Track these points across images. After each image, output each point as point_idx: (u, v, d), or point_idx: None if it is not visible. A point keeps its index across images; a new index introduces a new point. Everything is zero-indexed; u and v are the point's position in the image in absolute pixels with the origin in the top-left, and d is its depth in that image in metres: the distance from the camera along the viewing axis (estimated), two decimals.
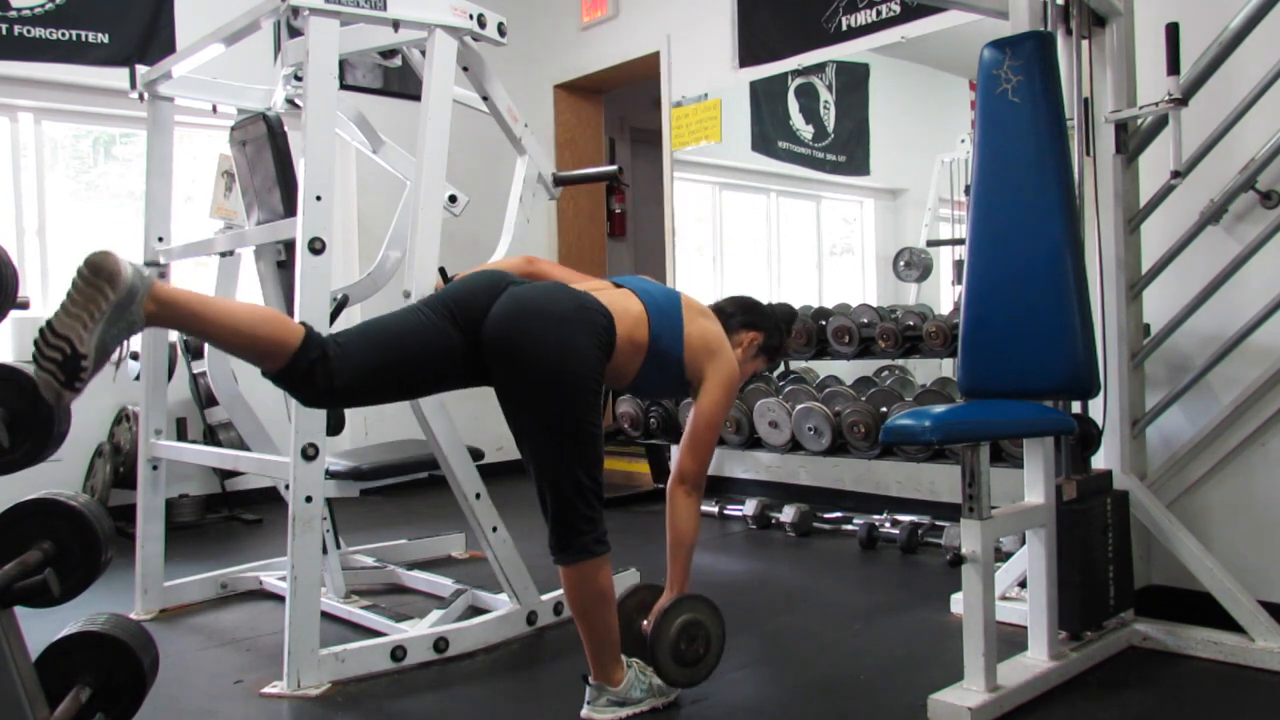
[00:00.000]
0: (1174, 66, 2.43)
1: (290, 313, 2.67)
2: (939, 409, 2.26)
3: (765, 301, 2.58)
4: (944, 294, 4.34)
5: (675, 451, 5.02)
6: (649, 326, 2.16)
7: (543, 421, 2.03)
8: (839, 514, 4.10)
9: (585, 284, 2.24)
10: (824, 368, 4.44)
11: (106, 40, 4.47)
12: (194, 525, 4.48)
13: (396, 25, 2.59)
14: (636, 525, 4.27)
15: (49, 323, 1.59)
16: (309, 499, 2.39)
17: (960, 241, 4.04)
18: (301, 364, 1.88)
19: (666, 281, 5.23)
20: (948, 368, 3.96)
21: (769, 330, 2.45)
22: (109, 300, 1.59)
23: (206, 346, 3.35)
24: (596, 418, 2.06)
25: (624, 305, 2.16)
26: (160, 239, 3.14)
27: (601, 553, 2.08)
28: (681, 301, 2.27)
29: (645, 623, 2.24)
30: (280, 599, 2.90)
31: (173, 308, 1.73)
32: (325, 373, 1.91)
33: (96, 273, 1.60)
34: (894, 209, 4.70)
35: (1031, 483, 2.41)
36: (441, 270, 2.52)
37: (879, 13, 4.23)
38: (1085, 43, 2.63)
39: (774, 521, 4.19)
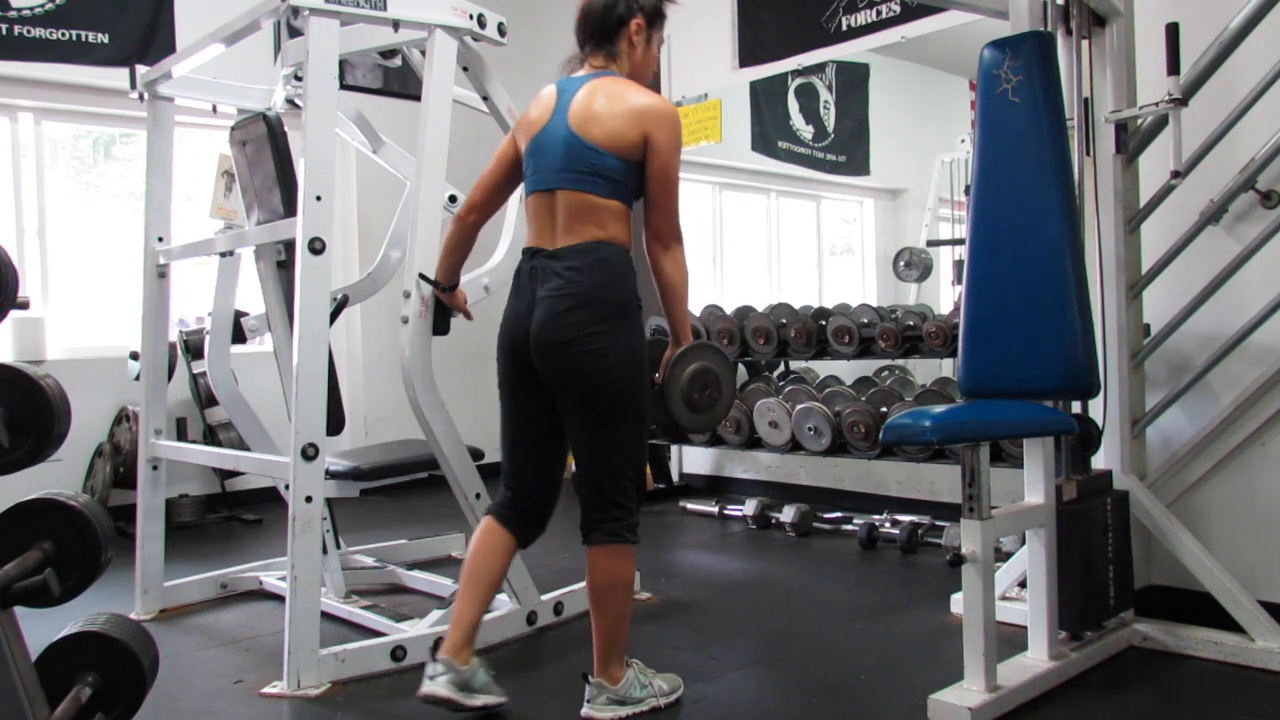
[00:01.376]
0: (1174, 66, 2.43)
1: (290, 313, 2.67)
2: (939, 409, 2.26)
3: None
4: (944, 294, 4.34)
5: (674, 455, 5.06)
6: (605, 195, 2.13)
7: (594, 422, 2.13)
8: (839, 514, 4.10)
9: (549, 232, 2.17)
10: (824, 368, 4.44)
11: (106, 40, 4.47)
12: (194, 525, 4.48)
13: (396, 25, 2.59)
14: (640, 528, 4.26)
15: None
16: (309, 499, 2.39)
17: (960, 241, 4.04)
18: (526, 534, 2.31)
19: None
20: (948, 368, 3.96)
21: (644, 7, 2.23)
22: (462, 704, 2.14)
23: (206, 346, 3.35)
24: (642, 405, 2.15)
25: (586, 213, 2.13)
26: (160, 239, 3.14)
27: (631, 541, 2.14)
28: (583, 135, 2.12)
29: (656, 375, 2.26)
30: (280, 599, 2.90)
31: (468, 638, 2.20)
32: (536, 515, 2.30)
33: (440, 705, 2.13)
34: (894, 209, 4.70)
35: (1031, 483, 2.41)
36: (423, 276, 2.52)
37: (879, 13, 4.23)
38: (1085, 43, 2.63)
39: (774, 521, 4.19)
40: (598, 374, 2.08)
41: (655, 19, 2.27)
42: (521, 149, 2.28)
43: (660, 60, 5.20)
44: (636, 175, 2.16)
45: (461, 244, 2.45)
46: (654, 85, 5.30)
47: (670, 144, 2.14)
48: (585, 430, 2.14)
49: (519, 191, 3.05)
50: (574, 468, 2.18)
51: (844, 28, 4.38)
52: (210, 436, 4.53)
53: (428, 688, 2.10)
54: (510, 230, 2.97)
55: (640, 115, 2.12)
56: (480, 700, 2.15)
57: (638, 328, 2.16)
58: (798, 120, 4.74)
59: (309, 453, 2.39)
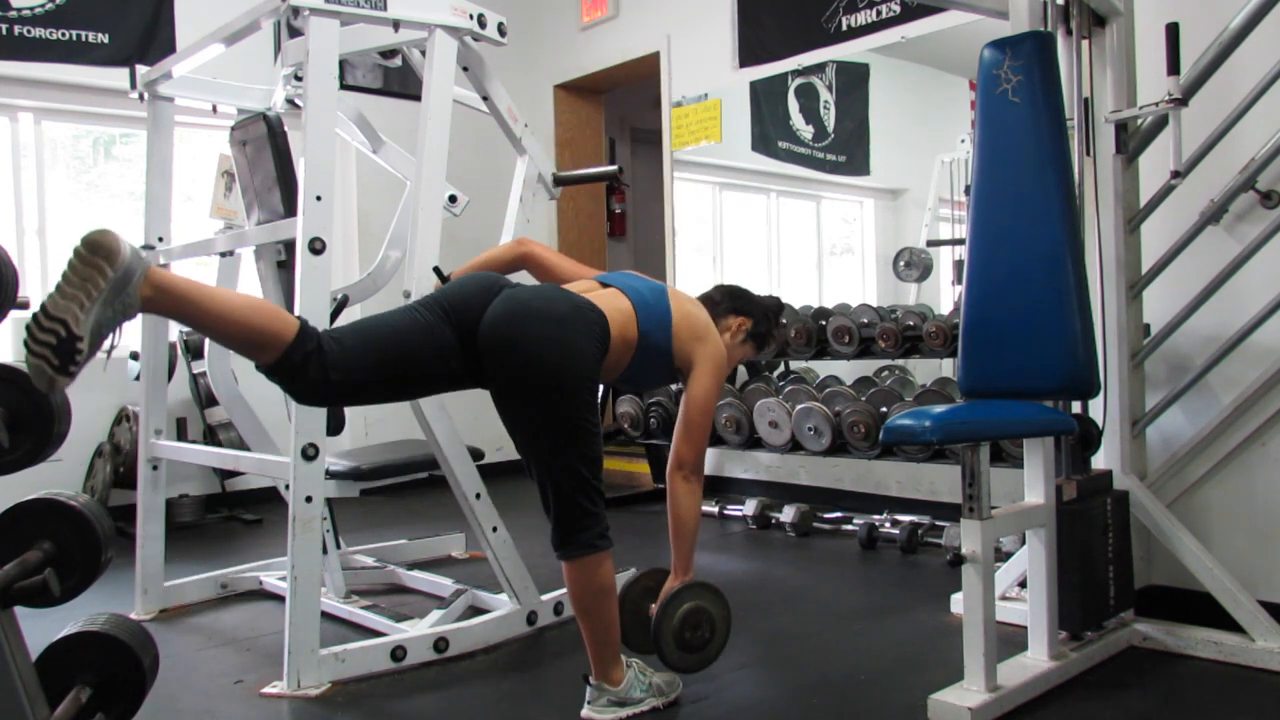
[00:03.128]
0: (1174, 66, 2.43)
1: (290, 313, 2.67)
2: (939, 409, 2.26)
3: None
4: (944, 294, 4.34)
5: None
6: (638, 323, 2.18)
7: (542, 420, 2.04)
8: (839, 514, 4.10)
9: (574, 285, 2.25)
10: (824, 368, 4.44)
11: (106, 40, 4.47)
12: (194, 525, 4.48)
13: (397, 25, 2.59)
14: (636, 525, 4.26)
15: (42, 306, 1.55)
16: (309, 499, 2.39)
17: (960, 241, 4.04)
18: (296, 356, 1.87)
19: (667, 281, 5.23)
20: (948, 368, 3.96)
21: (757, 317, 2.46)
22: (106, 278, 1.55)
23: (206, 346, 3.35)
24: (594, 415, 2.08)
25: (614, 304, 2.17)
26: (160, 239, 3.14)
27: (604, 548, 2.10)
28: (668, 293, 2.29)
29: (653, 606, 2.26)
30: (280, 599, 2.90)
31: (169, 293, 1.70)
32: (320, 365, 1.90)
33: (94, 250, 1.56)
34: (894, 209, 4.70)
35: (1031, 483, 2.41)
36: (437, 270, 2.52)
37: (879, 13, 4.23)
38: (1085, 43, 2.63)
39: (774, 521, 4.19)
40: (565, 354, 2.01)
41: (757, 338, 2.47)
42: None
43: (660, 60, 5.23)
44: (661, 363, 2.24)
45: (503, 264, 2.45)
46: (654, 86, 5.32)
47: (714, 380, 2.26)
48: (543, 437, 2.05)
49: (518, 190, 3.06)
50: (538, 486, 2.11)
51: (844, 28, 4.38)
52: (210, 436, 4.53)
53: (114, 232, 1.62)
54: (510, 230, 2.97)
55: (705, 336, 2.26)
56: (80, 330, 1.54)
57: (599, 356, 2.10)
58: (798, 120, 4.74)
59: (309, 453, 2.39)
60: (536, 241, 2.54)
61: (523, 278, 2.32)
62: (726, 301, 2.45)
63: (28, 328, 1.54)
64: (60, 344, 1.52)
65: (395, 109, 5.00)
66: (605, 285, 2.28)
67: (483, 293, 2.09)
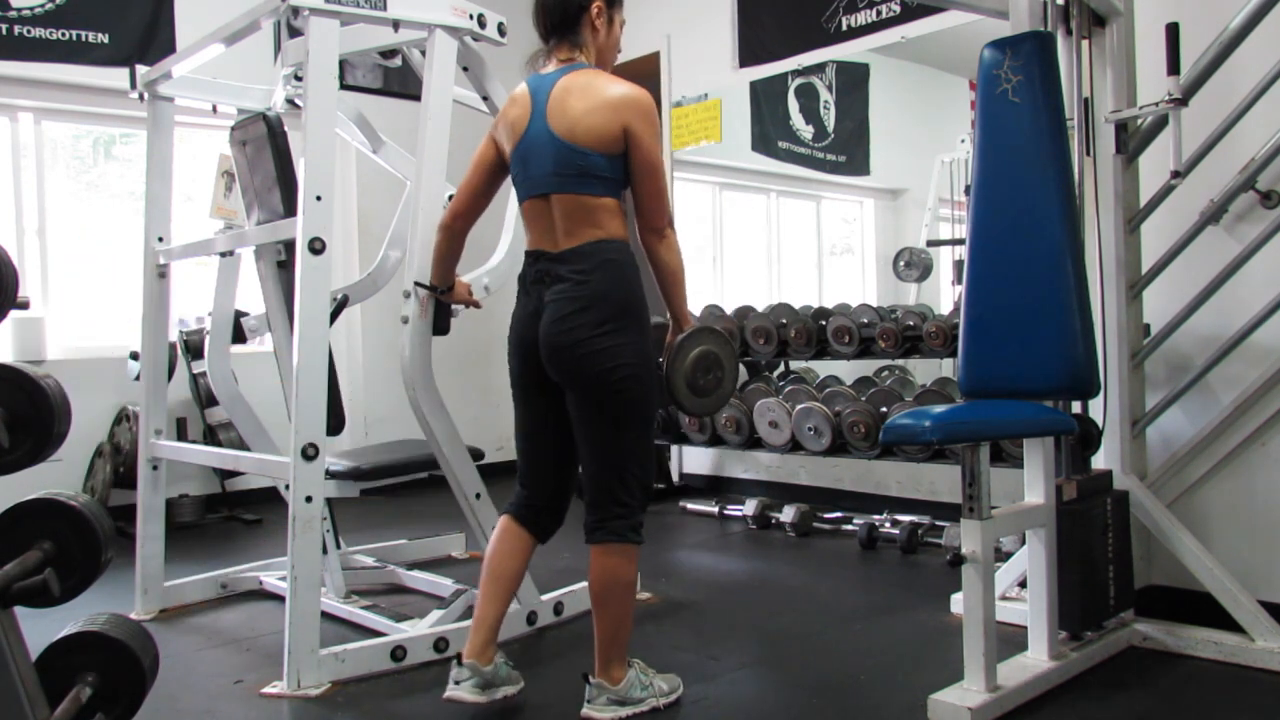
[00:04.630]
0: (1174, 66, 2.43)
1: (290, 313, 2.67)
2: (939, 409, 2.26)
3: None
4: (944, 294, 4.34)
5: (674, 455, 5.06)
6: (599, 194, 2.12)
7: (604, 423, 2.14)
8: (839, 514, 4.10)
9: (550, 235, 2.18)
10: (824, 368, 4.44)
11: (106, 40, 4.47)
12: (194, 525, 4.48)
13: (396, 25, 2.59)
14: None
15: None
16: (309, 499, 2.39)
17: (960, 241, 4.04)
18: (544, 531, 2.33)
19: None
20: (948, 368, 3.96)
21: None
22: (486, 702, 2.20)
23: (206, 346, 3.35)
24: (650, 408, 2.17)
25: (583, 214, 2.12)
26: (160, 239, 3.14)
27: (634, 541, 2.14)
28: (566, 139, 2.11)
29: (660, 358, 2.27)
30: (280, 599, 2.90)
31: (490, 639, 2.22)
32: (550, 511, 2.32)
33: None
34: (894, 209, 4.70)
35: (1031, 483, 2.41)
36: (419, 284, 2.51)
37: (879, 13, 4.23)
38: (1085, 43, 2.63)
39: (774, 521, 4.19)
40: (606, 374, 2.08)
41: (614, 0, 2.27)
42: (506, 152, 2.26)
43: (660, 60, 5.23)
44: (623, 168, 2.15)
45: (450, 252, 2.46)
46: (654, 86, 5.32)
47: (650, 132, 2.13)
48: (593, 429, 2.15)
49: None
50: (582, 466, 2.19)
51: (844, 28, 4.38)
52: (210, 436, 4.53)
53: (452, 692, 2.15)
54: (510, 229, 2.96)
55: (616, 108, 2.09)
56: (501, 693, 2.21)
57: (645, 327, 2.16)
58: (798, 120, 4.74)
59: (309, 453, 2.39)
60: (449, 206, 2.43)
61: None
62: (556, 18, 2.19)
63: None
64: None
65: (395, 109, 5.00)
66: (544, 196, 2.16)
67: (530, 350, 2.20)
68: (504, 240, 2.96)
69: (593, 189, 2.13)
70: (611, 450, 2.14)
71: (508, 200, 3.05)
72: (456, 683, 2.14)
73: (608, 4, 2.23)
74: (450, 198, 3.22)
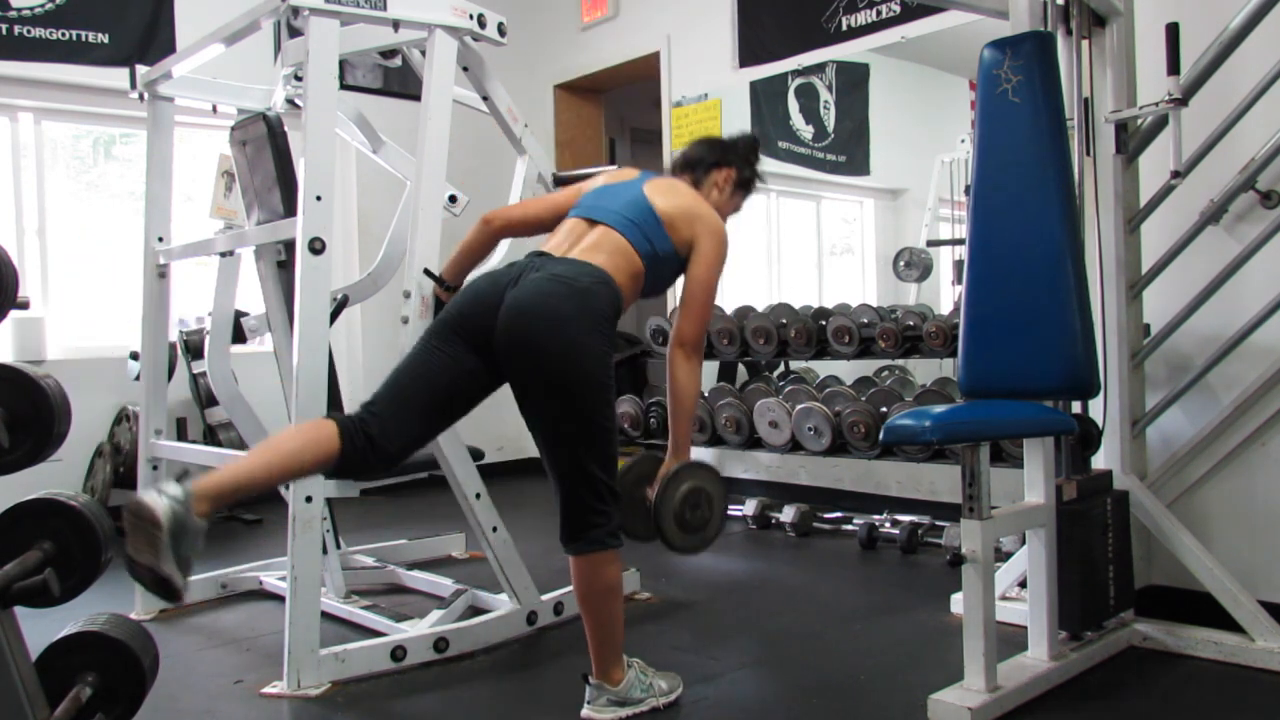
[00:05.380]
0: (1174, 66, 2.43)
1: (290, 313, 2.67)
2: (939, 409, 2.26)
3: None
4: (944, 294, 4.34)
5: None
6: (637, 250, 2.18)
7: (556, 420, 2.06)
8: (839, 514, 4.10)
9: (563, 237, 2.23)
10: (824, 368, 4.44)
11: (106, 40, 4.47)
12: None
13: (396, 25, 2.59)
14: None
15: (127, 555, 1.70)
16: (309, 499, 2.39)
17: (960, 241, 4.04)
18: (352, 457, 1.99)
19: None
20: (948, 368, 3.96)
21: (739, 163, 2.45)
22: (162, 536, 1.69)
23: (206, 346, 3.35)
24: (609, 412, 2.09)
25: (611, 247, 2.17)
26: (160, 239, 3.14)
27: (613, 546, 2.10)
28: (649, 200, 2.25)
29: (649, 489, 2.25)
30: (280, 599, 2.90)
31: (220, 495, 1.83)
32: (379, 449, 2.01)
33: (139, 516, 1.69)
34: (894, 209, 4.70)
35: (1031, 483, 2.41)
36: (428, 272, 2.53)
37: (879, 13, 4.23)
38: (1085, 43, 2.63)
39: (774, 521, 4.19)
40: (572, 357, 2.01)
41: (744, 184, 2.47)
42: (585, 192, 2.36)
43: (660, 60, 5.23)
44: (670, 264, 2.23)
45: (480, 248, 2.47)
46: (654, 87, 5.32)
47: (713, 254, 2.25)
48: (557, 432, 2.06)
49: (518, 190, 3.06)
50: (551, 480, 2.11)
51: (844, 28, 4.38)
52: (210, 436, 4.53)
53: (147, 497, 1.70)
54: None
55: (697, 218, 2.25)
56: (168, 570, 1.68)
57: (610, 345, 2.10)
58: (798, 120, 4.74)
59: None
60: (500, 208, 2.48)
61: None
62: (705, 158, 2.44)
63: (127, 567, 1.71)
64: (159, 580, 1.69)
65: (395, 109, 5.00)
66: (592, 222, 2.24)
67: (488, 300, 2.10)
68: (504, 241, 2.96)
69: (636, 242, 2.18)
70: (579, 456, 2.04)
71: (508, 201, 3.06)
72: (159, 492, 1.73)
73: (738, 181, 2.44)
74: (451, 198, 3.24)
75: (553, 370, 2.02)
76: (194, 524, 1.73)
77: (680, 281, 2.32)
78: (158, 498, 1.71)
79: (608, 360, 2.08)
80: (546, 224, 2.40)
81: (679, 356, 2.22)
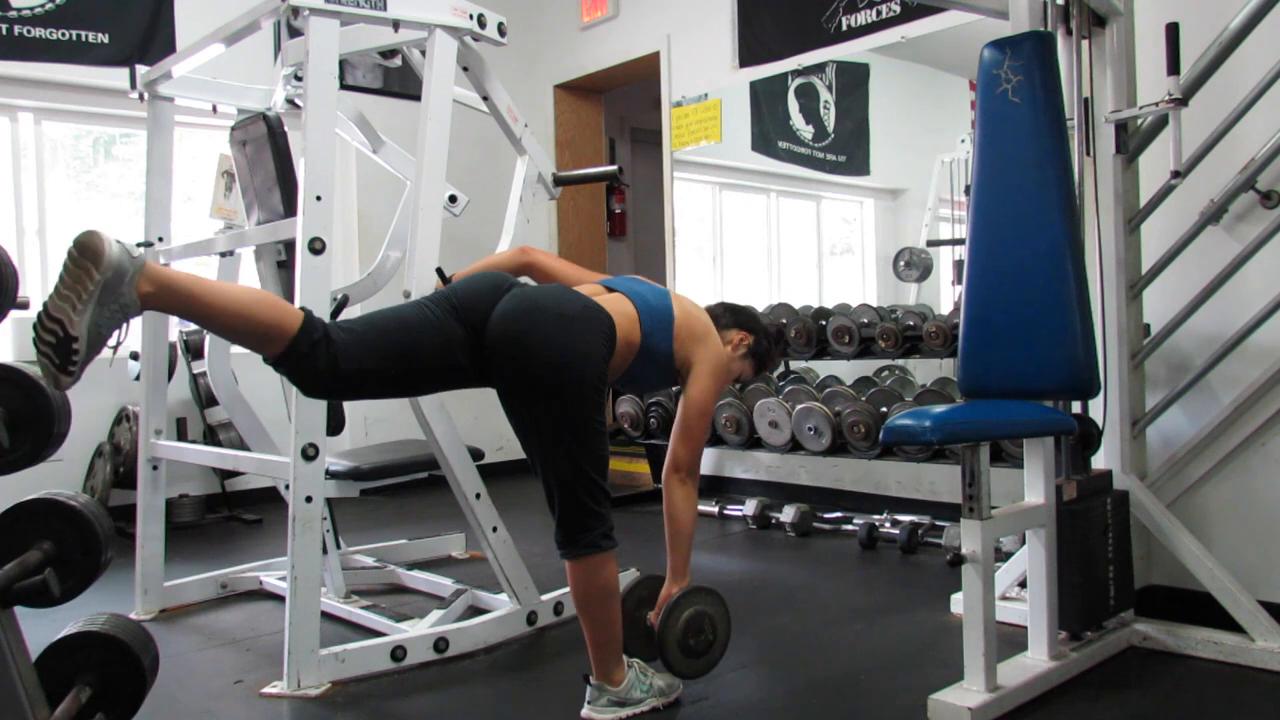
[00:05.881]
0: (1174, 66, 2.43)
1: None
2: (939, 409, 2.26)
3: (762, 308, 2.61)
4: (944, 294, 4.33)
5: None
6: (641, 325, 2.20)
7: (548, 419, 2.04)
8: (839, 514, 4.10)
9: (579, 288, 2.26)
10: (824, 368, 4.44)
11: (106, 40, 4.47)
12: (194, 525, 4.48)
13: (396, 25, 2.59)
14: (636, 525, 4.26)
15: (44, 305, 1.59)
16: (309, 499, 2.39)
17: (960, 241, 4.04)
18: (303, 346, 1.84)
19: (666, 281, 5.23)
20: (948, 368, 3.96)
21: (759, 334, 2.47)
22: (95, 280, 1.56)
23: (207, 346, 3.34)
24: (601, 414, 2.09)
25: (619, 308, 2.19)
26: (160, 239, 3.14)
27: (608, 548, 2.10)
28: (671, 296, 2.32)
29: (651, 614, 2.27)
30: (280, 599, 2.90)
31: (168, 289, 1.69)
32: (328, 355, 1.88)
33: (82, 252, 1.57)
34: (894, 209, 4.70)
35: (1031, 483, 2.41)
36: (439, 271, 2.53)
37: (879, 13, 4.23)
38: (1085, 43, 2.63)
39: (774, 521, 4.19)
40: (567, 358, 2.00)
41: (757, 357, 2.47)
42: None
43: (660, 60, 5.23)
44: (662, 364, 2.25)
45: (506, 269, 2.43)
46: (654, 86, 5.32)
47: (712, 382, 2.27)
48: (550, 434, 2.04)
49: (518, 191, 3.06)
50: (543, 484, 2.11)
51: (844, 28, 4.38)
52: (210, 436, 4.53)
53: (102, 233, 1.60)
54: (510, 230, 2.97)
55: (705, 339, 2.29)
56: (78, 330, 1.58)
57: (606, 355, 2.10)
58: (798, 120, 4.74)
59: (309, 453, 2.39)
60: (539, 248, 2.56)
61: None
62: (728, 316, 2.48)
63: (34, 326, 1.58)
64: (59, 343, 1.55)
65: (395, 109, 5.00)
66: (610, 290, 2.29)
67: (492, 290, 2.10)
68: (504, 241, 2.96)
69: (644, 322, 2.20)
70: (573, 458, 2.03)
71: (509, 201, 3.06)
72: (118, 242, 1.63)
73: (751, 350, 2.45)
74: (451, 198, 3.24)
75: (547, 370, 2.01)
76: (128, 294, 1.61)
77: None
78: (113, 242, 1.59)
79: (602, 367, 2.08)
80: (571, 285, 2.36)
81: (675, 482, 2.25)
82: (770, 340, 2.51)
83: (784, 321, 4.11)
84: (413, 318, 2.05)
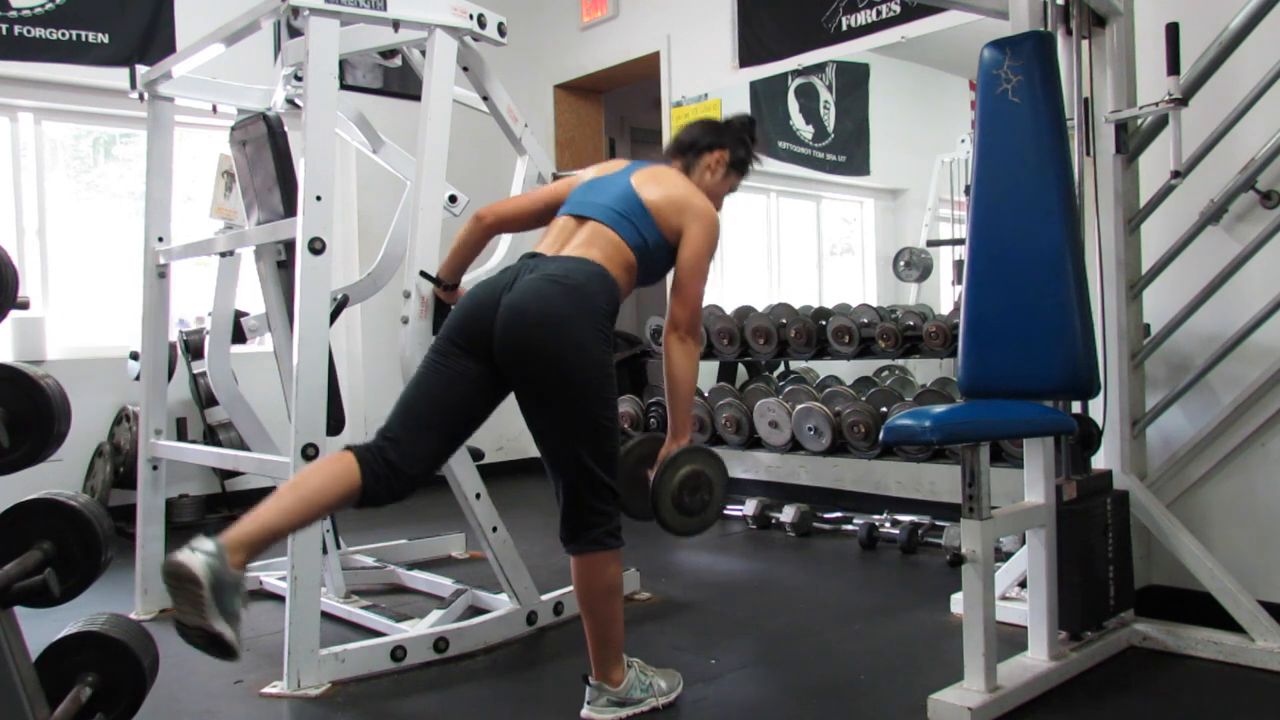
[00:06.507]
0: (1174, 66, 2.43)
1: (290, 313, 2.67)
2: (939, 409, 2.26)
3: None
4: (944, 294, 4.34)
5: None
6: (628, 242, 2.19)
7: (557, 420, 2.06)
8: (839, 514, 4.10)
9: (555, 236, 2.23)
10: (824, 368, 4.44)
11: (106, 40, 4.47)
12: (194, 525, 4.48)
13: (396, 25, 2.59)
14: (636, 525, 4.26)
15: (177, 621, 1.72)
16: None
17: (960, 241, 4.04)
18: (373, 487, 2.01)
19: (667, 281, 5.22)
20: (948, 368, 3.96)
21: (731, 144, 2.45)
22: (204, 592, 1.71)
23: (206, 346, 3.35)
24: (610, 412, 2.09)
25: (603, 241, 2.18)
26: (160, 239, 3.15)
27: (613, 546, 2.11)
28: (638, 192, 2.25)
29: (649, 471, 2.26)
30: (280, 599, 2.89)
31: (254, 545, 1.85)
32: (395, 475, 2.03)
33: (179, 580, 1.71)
34: (894, 209, 4.70)
35: (1031, 483, 2.41)
36: (424, 274, 2.53)
37: (879, 13, 4.23)
38: (1085, 43, 2.64)
39: (774, 521, 4.19)
40: (570, 358, 2.02)
41: (738, 166, 2.46)
42: (577, 184, 2.35)
43: (660, 60, 5.23)
44: (662, 254, 2.23)
45: (474, 245, 2.46)
46: (654, 86, 5.32)
47: (703, 240, 2.24)
48: (558, 432, 2.07)
49: (518, 190, 3.06)
50: (551, 479, 2.13)
51: (844, 28, 4.38)
52: (210, 436, 4.53)
53: (181, 556, 1.72)
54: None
55: (686, 205, 2.24)
56: (219, 627, 1.71)
57: (610, 344, 2.11)
58: (798, 120, 4.74)
59: (309, 453, 2.39)
60: (491, 203, 2.46)
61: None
62: (699, 140, 2.42)
63: (180, 635, 1.73)
64: (212, 640, 1.71)
65: (395, 109, 5.00)
66: (582, 220, 2.23)
67: (485, 308, 2.09)
68: (504, 241, 2.96)
69: (627, 235, 2.19)
70: (580, 455, 2.05)
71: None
72: (192, 549, 1.74)
73: (730, 163, 2.42)
74: (451, 198, 3.24)
75: (552, 371, 2.03)
76: (232, 575, 1.76)
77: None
78: (192, 555, 1.72)
79: (607, 359, 2.08)
80: (538, 217, 2.41)
81: (673, 341, 2.22)
82: (745, 142, 2.48)
83: (784, 321, 4.11)
84: (434, 385, 2.12)
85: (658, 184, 2.28)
